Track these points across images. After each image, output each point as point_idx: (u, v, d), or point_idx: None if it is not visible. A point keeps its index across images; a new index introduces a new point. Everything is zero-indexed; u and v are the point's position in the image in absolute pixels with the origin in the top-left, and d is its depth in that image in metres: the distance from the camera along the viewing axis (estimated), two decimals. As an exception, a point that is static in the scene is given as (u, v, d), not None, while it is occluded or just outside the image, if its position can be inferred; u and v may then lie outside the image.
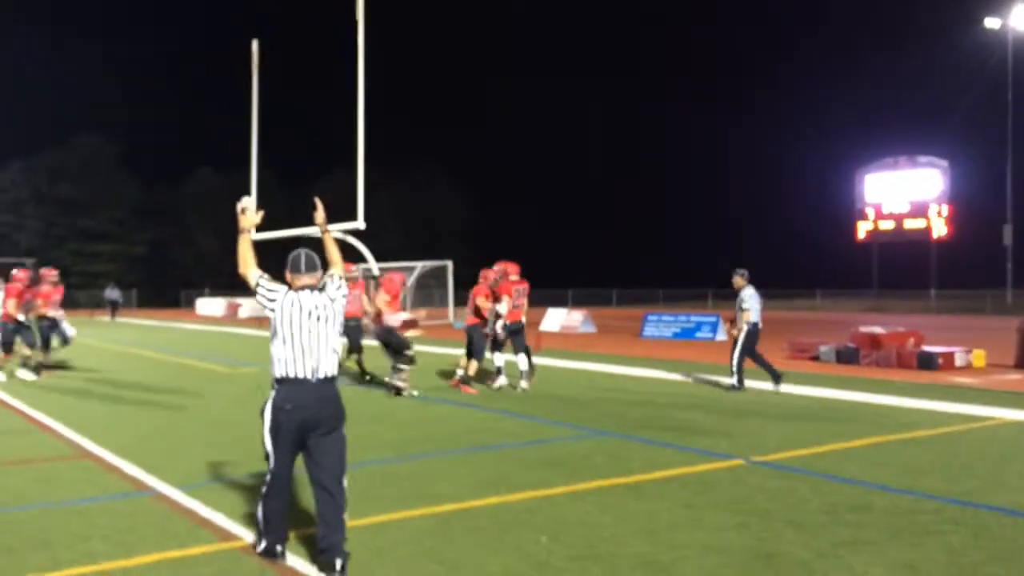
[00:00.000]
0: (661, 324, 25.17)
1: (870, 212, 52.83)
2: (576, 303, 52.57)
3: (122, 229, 60.58)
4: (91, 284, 57.87)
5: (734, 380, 11.98)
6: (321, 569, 4.45)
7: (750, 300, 12.06)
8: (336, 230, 24.83)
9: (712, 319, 24.05)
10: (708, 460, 7.35)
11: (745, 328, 11.98)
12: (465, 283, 43.93)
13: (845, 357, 16.00)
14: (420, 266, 35.52)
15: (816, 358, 16.61)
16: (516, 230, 72.35)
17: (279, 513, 4.71)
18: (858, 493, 6.18)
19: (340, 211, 32.04)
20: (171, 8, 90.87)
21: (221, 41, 73.02)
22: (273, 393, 4.63)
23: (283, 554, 4.70)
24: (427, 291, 38.78)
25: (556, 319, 28.50)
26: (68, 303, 20.41)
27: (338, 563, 4.37)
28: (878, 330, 16.42)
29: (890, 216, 51.93)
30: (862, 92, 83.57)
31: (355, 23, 20.77)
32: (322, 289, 4.76)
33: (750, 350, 11.99)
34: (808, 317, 39.11)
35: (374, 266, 26.79)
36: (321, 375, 4.61)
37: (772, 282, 55.66)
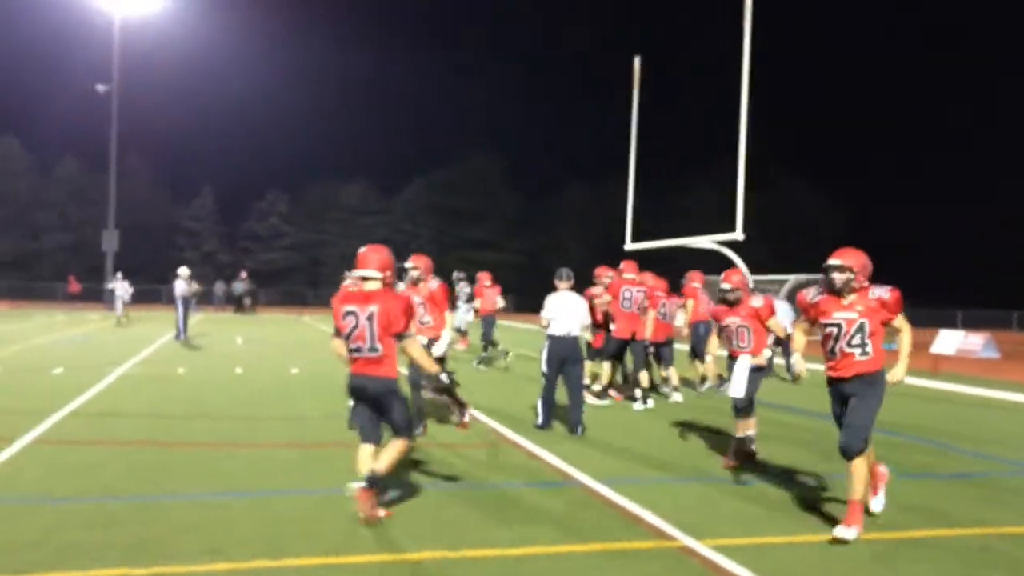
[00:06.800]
0: (1087, 353, 21.71)
1: None
2: (967, 325, 47.40)
3: (502, 239, 65.65)
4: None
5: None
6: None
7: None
8: (712, 241, 24.79)
9: None
10: None
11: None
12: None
13: None
14: (792, 279, 34.13)
15: None
16: (898, 241, 66.90)
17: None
18: None
19: (708, 222, 31.93)
20: (552, 30, 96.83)
21: (602, 58, 76.52)
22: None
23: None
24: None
25: (951, 342, 25.77)
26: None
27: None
28: None
29: None
30: None
31: (741, 43, 20.55)
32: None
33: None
34: None
35: (749, 279, 26.25)
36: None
37: None
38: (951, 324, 48.36)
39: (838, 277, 5.58)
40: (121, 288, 28.30)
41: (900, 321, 5.66)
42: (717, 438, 8.95)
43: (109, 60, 42.00)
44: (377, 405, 5.57)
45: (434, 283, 8.58)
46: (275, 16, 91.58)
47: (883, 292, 5.57)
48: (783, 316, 16.83)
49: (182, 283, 20.02)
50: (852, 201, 67.39)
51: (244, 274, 42.20)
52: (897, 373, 5.64)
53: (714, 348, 8.14)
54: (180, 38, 46.33)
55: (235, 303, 40.93)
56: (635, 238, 29.49)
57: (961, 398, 13.72)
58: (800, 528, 5.56)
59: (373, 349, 5.45)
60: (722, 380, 11.34)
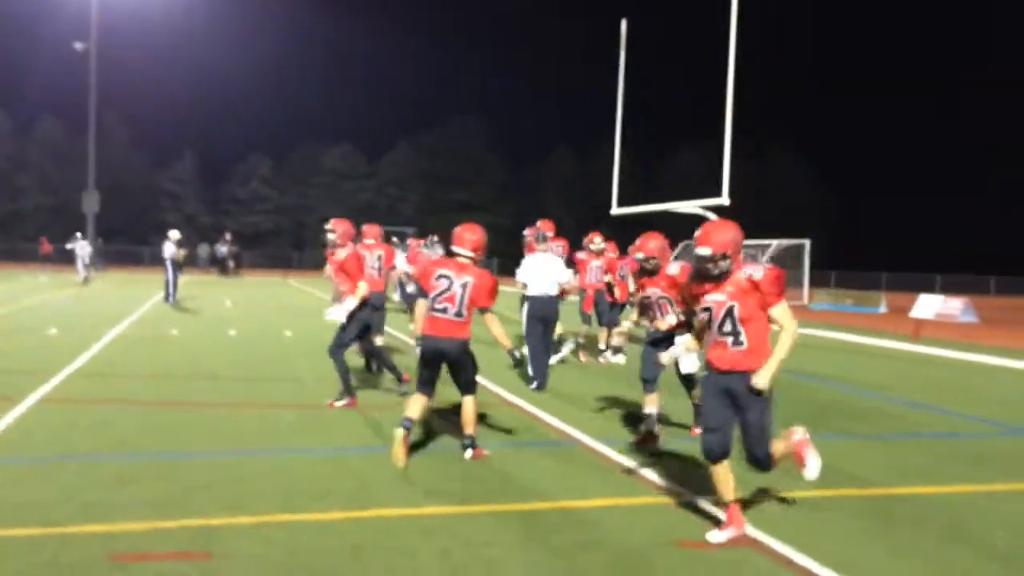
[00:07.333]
0: (1064, 318, 22.17)
1: None
2: (945, 290, 48.06)
3: (490, 204, 65.55)
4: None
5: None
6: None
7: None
8: (698, 206, 24.96)
9: None
10: None
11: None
12: (822, 263, 41.92)
13: None
14: (775, 244, 34.46)
15: None
16: (875, 210, 67.45)
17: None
18: None
19: (689, 188, 31.98)
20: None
21: (590, 22, 76.34)
22: None
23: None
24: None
25: (930, 306, 26.25)
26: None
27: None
28: None
29: None
30: None
31: (729, 6, 20.56)
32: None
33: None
34: None
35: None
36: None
37: None
38: (930, 288, 49.01)
39: (714, 269, 4.68)
40: (81, 248, 28.14)
41: (780, 313, 4.64)
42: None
43: (88, 18, 41.29)
44: (453, 364, 6.13)
45: (343, 252, 8.15)
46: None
47: (755, 271, 4.63)
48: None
49: (171, 246, 19.98)
50: (832, 166, 67.83)
51: (229, 236, 42.00)
52: (761, 377, 4.56)
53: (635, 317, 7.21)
54: (161, -3, 45.60)
55: (219, 265, 40.81)
56: (621, 203, 29.65)
57: (943, 361, 14.04)
58: (793, 485, 5.76)
59: (459, 314, 6.04)
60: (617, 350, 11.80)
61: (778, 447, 4.83)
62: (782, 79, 71.04)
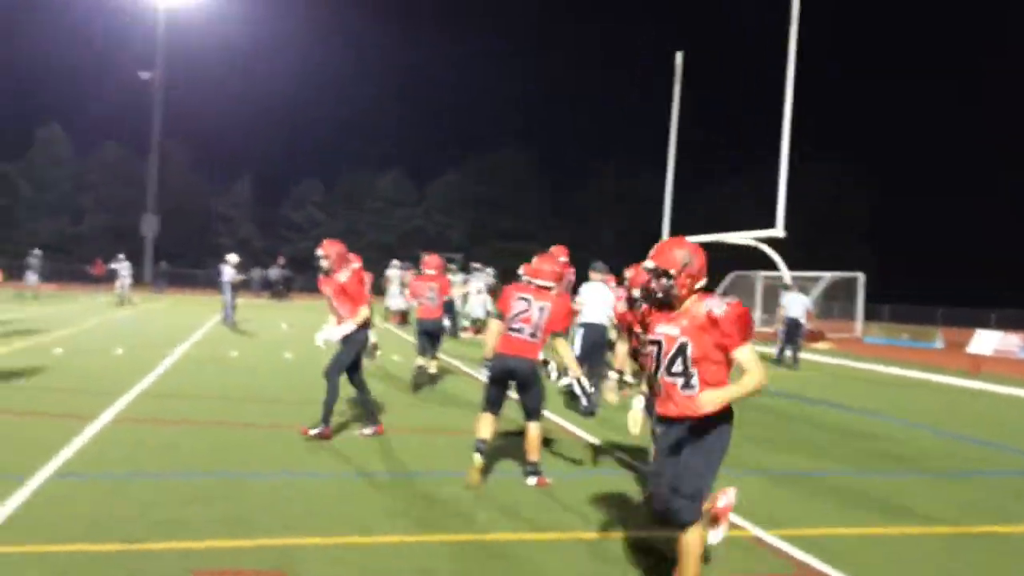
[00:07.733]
0: None
1: None
2: (1001, 325, 46.91)
3: (536, 229, 65.75)
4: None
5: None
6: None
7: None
8: (751, 237, 24.71)
9: None
10: None
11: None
12: (875, 296, 41.20)
13: None
14: (829, 276, 33.94)
15: None
16: (932, 239, 66.19)
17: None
18: None
19: (741, 218, 31.59)
20: (590, 23, 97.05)
21: (641, 51, 76.99)
22: None
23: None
24: (830, 302, 36.95)
25: (988, 342, 25.68)
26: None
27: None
28: None
29: None
30: None
31: (783, 40, 20.58)
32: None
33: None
34: None
35: (786, 275, 26.30)
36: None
37: None
38: (985, 324, 47.88)
39: (656, 288, 4.11)
40: (124, 269, 28.85)
41: (745, 355, 3.95)
42: (770, 431, 9.11)
43: (152, 47, 42.69)
44: (521, 383, 6.30)
45: (344, 275, 7.66)
46: (315, 5, 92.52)
47: (716, 305, 3.97)
48: (799, 307, 16.88)
49: (230, 269, 20.41)
50: (883, 195, 66.74)
51: (281, 260, 42.77)
52: (709, 395, 3.84)
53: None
54: (221, 26, 47.05)
55: (271, 289, 41.51)
56: (672, 233, 29.62)
57: (1004, 399, 13.75)
58: (866, 521, 5.72)
59: (534, 335, 6.30)
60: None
61: (700, 532, 4.10)
62: (821, 93, 70.37)
